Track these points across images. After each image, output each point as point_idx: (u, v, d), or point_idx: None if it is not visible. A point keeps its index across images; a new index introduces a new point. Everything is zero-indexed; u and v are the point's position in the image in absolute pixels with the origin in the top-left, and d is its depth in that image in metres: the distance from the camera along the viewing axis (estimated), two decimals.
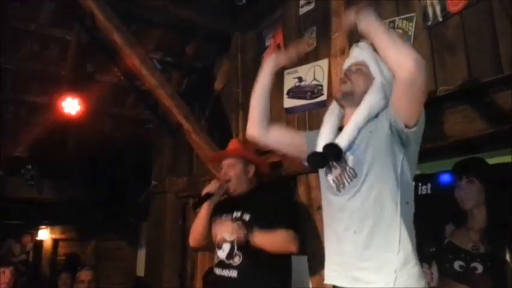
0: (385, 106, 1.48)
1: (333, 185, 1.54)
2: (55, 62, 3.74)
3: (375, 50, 1.56)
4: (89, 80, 3.86)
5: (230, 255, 2.13)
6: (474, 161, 1.98)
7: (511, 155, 1.93)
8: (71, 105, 3.72)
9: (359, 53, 1.61)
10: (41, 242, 6.91)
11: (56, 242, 7.02)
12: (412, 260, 1.38)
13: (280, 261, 2.15)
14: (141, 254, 5.28)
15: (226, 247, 2.16)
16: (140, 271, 5.23)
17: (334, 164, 1.54)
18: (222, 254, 2.17)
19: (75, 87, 3.72)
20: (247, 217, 2.18)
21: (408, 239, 1.39)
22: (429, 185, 2.17)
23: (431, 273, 1.95)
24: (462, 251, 1.89)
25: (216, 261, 2.23)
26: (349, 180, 1.49)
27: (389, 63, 1.38)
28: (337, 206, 1.52)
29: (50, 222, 6.64)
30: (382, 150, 1.44)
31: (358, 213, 1.44)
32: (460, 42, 1.98)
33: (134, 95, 4.25)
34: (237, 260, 2.10)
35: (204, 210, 2.31)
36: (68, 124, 3.99)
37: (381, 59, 1.53)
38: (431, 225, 2.00)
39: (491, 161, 1.94)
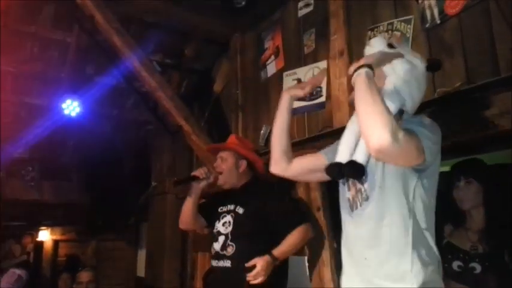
0: (401, 106, 1.41)
1: (347, 204, 1.49)
2: (55, 64, 3.75)
3: (389, 45, 1.48)
4: (89, 82, 3.87)
5: (224, 246, 2.20)
6: (472, 162, 2.00)
7: (509, 156, 1.94)
8: (71, 107, 3.74)
9: (369, 51, 1.50)
10: (41, 242, 6.93)
11: (56, 242, 7.05)
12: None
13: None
14: (142, 255, 5.29)
15: (221, 239, 2.23)
16: (140, 271, 5.24)
17: (351, 182, 1.48)
18: (217, 245, 2.24)
19: (75, 89, 3.73)
20: (240, 210, 2.24)
21: (423, 266, 1.31)
22: None
23: None
24: (461, 251, 1.91)
25: (212, 253, 2.29)
26: (361, 202, 1.43)
27: (361, 131, 1.32)
28: (350, 226, 1.48)
29: (51, 223, 6.66)
30: (394, 175, 1.37)
31: (368, 240, 1.39)
32: (458, 44, 1.99)
33: (134, 97, 4.26)
34: (230, 250, 2.17)
35: (191, 194, 2.35)
36: (68, 126, 4.00)
37: (395, 52, 1.45)
38: None
39: (489, 162, 1.95)
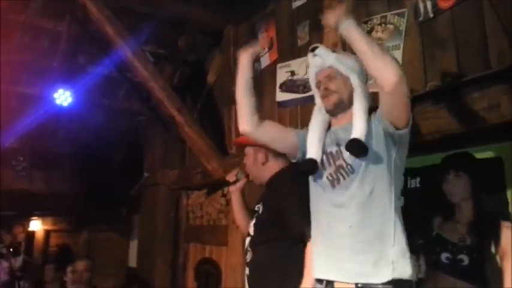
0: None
1: (327, 182, 1.56)
2: (46, 53, 3.71)
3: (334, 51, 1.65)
4: (81, 71, 3.84)
5: (246, 250, 2.07)
6: (462, 155, 2.01)
7: (498, 150, 1.96)
8: (63, 97, 3.71)
9: (321, 61, 1.61)
10: (32, 232, 6.88)
11: (47, 233, 7.00)
12: (406, 252, 1.45)
13: (292, 262, 1.88)
14: (133, 246, 5.30)
15: (247, 242, 2.09)
16: (132, 262, 5.25)
17: (330, 161, 1.57)
18: (246, 242, 2.12)
19: (67, 78, 3.70)
20: (260, 209, 2.07)
21: (402, 232, 1.46)
22: (418, 179, 2.20)
23: (419, 265, 1.99)
24: (449, 243, 1.92)
25: None
26: (345, 176, 1.52)
27: (372, 73, 1.43)
28: (331, 201, 1.54)
29: (42, 213, 6.61)
30: (378, 147, 1.49)
31: (354, 208, 1.48)
32: (450, 38, 2.01)
33: (126, 87, 4.23)
34: (248, 257, 2.04)
35: (233, 200, 2.26)
36: (60, 116, 3.97)
37: (342, 55, 1.64)
38: (420, 218, 2.03)
39: (478, 155, 1.97)
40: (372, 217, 1.46)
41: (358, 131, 1.48)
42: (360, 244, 1.45)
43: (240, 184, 2.21)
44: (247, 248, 2.05)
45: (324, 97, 1.61)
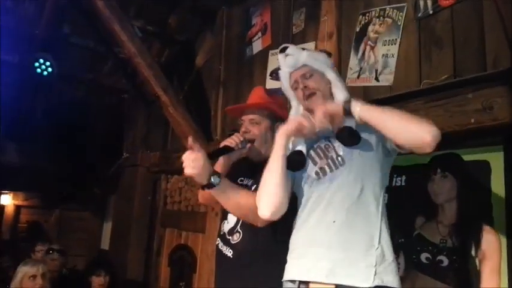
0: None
1: (314, 175, 1.48)
2: (29, 19, 3.55)
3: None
4: (65, 41, 3.69)
5: (232, 230, 1.82)
6: (450, 156, 1.99)
7: (489, 153, 1.94)
8: (44, 67, 3.56)
9: (294, 60, 1.59)
10: (2, 207, 6.70)
11: (18, 208, 6.82)
12: (390, 256, 1.37)
13: (280, 246, 1.69)
14: (107, 227, 5.18)
15: (231, 220, 1.84)
16: (105, 244, 5.14)
17: (320, 155, 1.51)
18: (226, 226, 1.86)
19: (49, 48, 3.55)
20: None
21: (387, 236, 1.39)
22: (404, 177, 2.17)
23: (399, 264, 1.97)
24: (430, 243, 1.92)
25: (220, 232, 1.91)
26: (333, 168, 1.45)
27: (406, 142, 1.33)
28: (315, 194, 1.45)
29: (13, 188, 6.41)
30: (370, 149, 1.45)
31: (340, 202, 1.39)
32: (448, 37, 1.99)
33: (111, 62, 4.10)
34: (236, 238, 1.80)
35: (219, 166, 1.81)
36: (39, 86, 3.82)
37: (313, 52, 1.67)
38: (402, 217, 2.01)
39: (467, 157, 1.95)
40: (359, 215, 1.37)
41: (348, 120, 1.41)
42: (339, 242, 1.34)
43: (239, 154, 1.81)
44: (236, 228, 1.81)
45: (307, 97, 1.53)
